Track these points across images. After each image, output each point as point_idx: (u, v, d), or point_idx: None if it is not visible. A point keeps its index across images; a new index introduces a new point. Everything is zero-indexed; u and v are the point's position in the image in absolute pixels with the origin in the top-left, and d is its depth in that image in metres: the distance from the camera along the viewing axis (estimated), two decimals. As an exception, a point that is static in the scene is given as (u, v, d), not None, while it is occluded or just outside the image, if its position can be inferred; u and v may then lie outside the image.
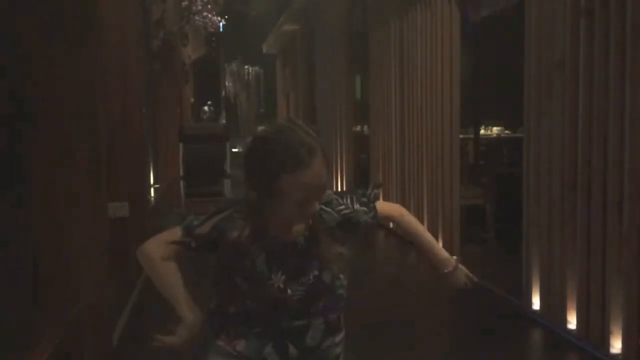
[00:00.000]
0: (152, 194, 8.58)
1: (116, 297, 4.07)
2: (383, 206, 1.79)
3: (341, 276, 1.65)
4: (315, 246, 1.60)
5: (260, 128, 1.57)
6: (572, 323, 3.94)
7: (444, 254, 1.85)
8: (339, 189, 10.30)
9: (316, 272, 1.60)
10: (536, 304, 4.35)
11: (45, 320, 3.01)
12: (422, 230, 1.87)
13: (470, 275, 1.85)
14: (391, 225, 7.45)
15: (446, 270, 1.82)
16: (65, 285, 3.11)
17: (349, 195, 1.72)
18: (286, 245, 1.59)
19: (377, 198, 1.77)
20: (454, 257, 1.87)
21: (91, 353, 3.32)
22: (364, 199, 1.73)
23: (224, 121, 23.96)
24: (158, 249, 1.60)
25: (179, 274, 1.61)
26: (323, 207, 1.62)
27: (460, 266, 1.84)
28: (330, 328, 1.65)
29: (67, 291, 3.12)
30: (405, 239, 1.83)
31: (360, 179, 9.41)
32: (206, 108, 25.13)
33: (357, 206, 1.70)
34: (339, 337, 1.70)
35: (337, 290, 1.65)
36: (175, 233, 1.60)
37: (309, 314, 1.61)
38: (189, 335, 1.57)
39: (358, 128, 10.76)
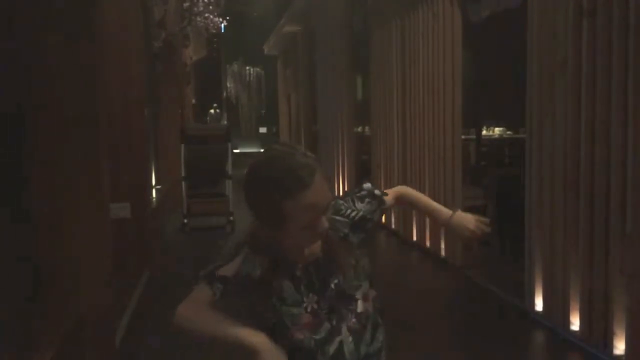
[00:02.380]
0: (154, 195, 8.59)
1: (118, 298, 4.07)
2: (389, 191, 1.88)
3: (362, 283, 1.63)
4: (334, 258, 1.60)
5: (254, 160, 1.50)
6: (575, 324, 3.93)
7: (444, 209, 1.92)
8: (339, 190, 10.29)
9: (337, 283, 1.59)
10: (539, 305, 4.33)
11: (46, 321, 3.00)
12: (424, 197, 1.99)
13: (478, 218, 1.85)
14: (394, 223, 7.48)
15: (444, 218, 1.88)
16: (66, 286, 3.10)
17: (349, 198, 1.74)
18: (308, 266, 1.58)
19: (377, 188, 1.82)
20: (456, 209, 1.92)
21: (93, 354, 3.31)
22: (363, 193, 1.77)
23: (225, 122, 23.91)
24: (190, 306, 1.57)
25: (219, 314, 1.56)
26: (334, 216, 1.62)
27: (460, 212, 1.88)
28: (358, 334, 1.61)
29: (68, 292, 3.11)
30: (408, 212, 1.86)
31: (362, 180, 9.38)
32: (212, 111, 25.05)
33: (359, 204, 1.72)
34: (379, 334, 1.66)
35: (357, 296, 1.63)
36: (201, 287, 1.57)
37: (338, 328, 1.58)
38: (274, 353, 1.48)
39: (359, 129, 10.75)
